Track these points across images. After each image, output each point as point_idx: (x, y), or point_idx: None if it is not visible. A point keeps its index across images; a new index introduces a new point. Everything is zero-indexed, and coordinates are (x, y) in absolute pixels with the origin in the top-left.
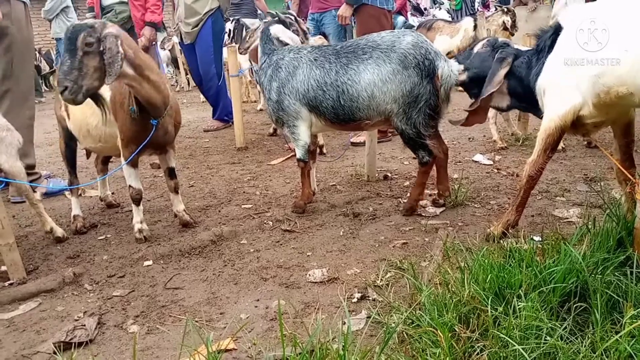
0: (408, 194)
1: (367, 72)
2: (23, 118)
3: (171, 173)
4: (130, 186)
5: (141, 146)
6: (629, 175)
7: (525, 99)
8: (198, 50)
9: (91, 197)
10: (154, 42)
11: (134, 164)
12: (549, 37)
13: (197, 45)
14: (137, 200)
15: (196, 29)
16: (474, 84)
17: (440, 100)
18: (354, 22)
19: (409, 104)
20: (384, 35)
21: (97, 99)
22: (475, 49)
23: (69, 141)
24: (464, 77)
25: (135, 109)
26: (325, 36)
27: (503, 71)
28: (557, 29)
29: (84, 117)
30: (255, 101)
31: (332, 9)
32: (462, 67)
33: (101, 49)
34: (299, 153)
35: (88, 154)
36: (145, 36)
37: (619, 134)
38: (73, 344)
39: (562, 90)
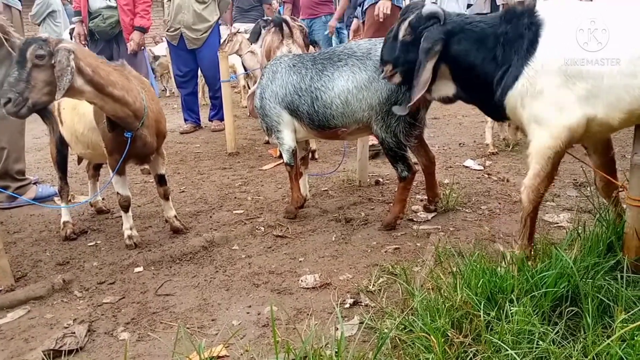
0: (388, 210)
1: (341, 79)
2: (16, 123)
3: (161, 180)
4: (118, 193)
5: (121, 159)
6: (614, 181)
7: (478, 91)
8: (205, 55)
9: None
10: (142, 47)
11: (120, 171)
12: (527, 29)
13: (203, 50)
14: (125, 207)
15: (205, 35)
16: (410, 82)
17: (421, 107)
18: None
19: (387, 111)
20: (361, 43)
21: (45, 115)
22: (400, 36)
23: (61, 147)
24: (397, 79)
25: (106, 123)
26: (315, 43)
27: (430, 64)
28: (534, 21)
29: (72, 123)
30: (246, 106)
31: (322, 15)
32: (389, 67)
33: (52, 62)
34: (285, 157)
35: (79, 160)
36: (135, 41)
37: (600, 150)
38: (63, 352)
39: (568, 102)
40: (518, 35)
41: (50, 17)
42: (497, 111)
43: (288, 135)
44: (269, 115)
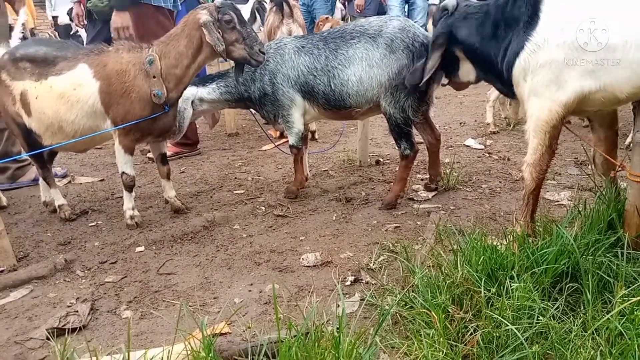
0: (388, 189)
1: (355, 57)
2: None
3: (163, 159)
4: (124, 173)
5: (135, 121)
6: (613, 160)
7: (491, 71)
8: None
9: (81, 184)
10: None
11: (130, 150)
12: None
13: None
14: (130, 187)
15: None
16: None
17: (431, 83)
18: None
19: (396, 86)
20: (371, 21)
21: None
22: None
23: (30, 140)
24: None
25: (162, 93)
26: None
27: (436, 54)
28: None
29: (57, 113)
30: None
31: None
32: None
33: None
34: (293, 140)
35: None
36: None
37: (606, 123)
38: (66, 330)
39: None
40: (518, 10)
41: None
42: (508, 88)
43: (298, 118)
44: (280, 100)
